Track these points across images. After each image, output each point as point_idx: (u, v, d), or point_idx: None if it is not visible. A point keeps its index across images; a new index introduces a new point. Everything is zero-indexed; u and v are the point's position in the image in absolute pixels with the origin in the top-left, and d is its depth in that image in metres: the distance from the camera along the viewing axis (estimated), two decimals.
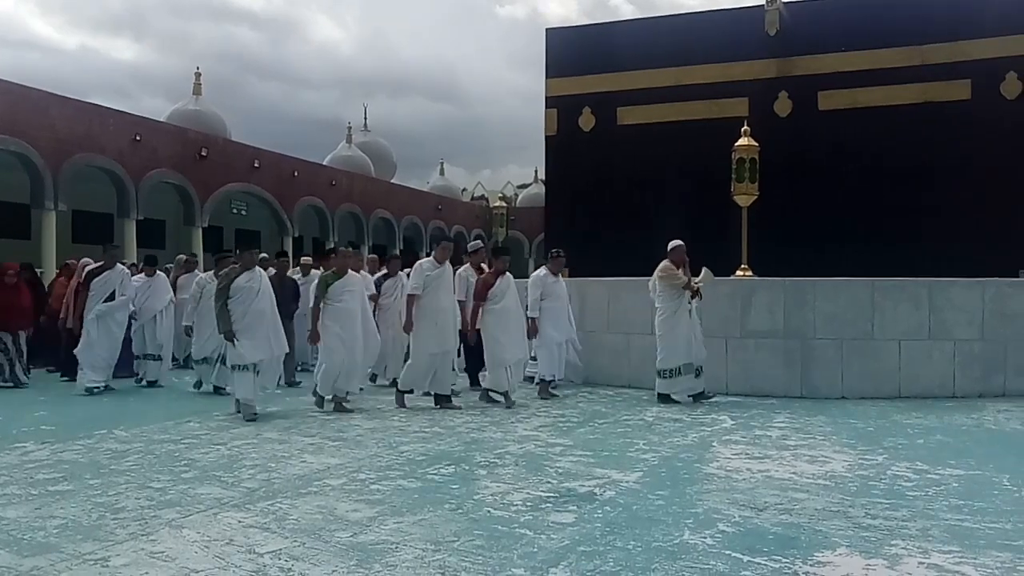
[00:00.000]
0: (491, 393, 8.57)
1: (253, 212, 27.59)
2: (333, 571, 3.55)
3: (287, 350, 8.35)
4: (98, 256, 10.17)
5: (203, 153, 24.41)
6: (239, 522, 4.25)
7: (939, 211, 12.12)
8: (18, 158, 19.15)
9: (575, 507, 4.55)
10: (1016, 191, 11.92)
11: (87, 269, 9.79)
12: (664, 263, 8.64)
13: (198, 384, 9.68)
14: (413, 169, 74.80)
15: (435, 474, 5.36)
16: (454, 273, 8.84)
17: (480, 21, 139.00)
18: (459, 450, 6.17)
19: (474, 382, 9.49)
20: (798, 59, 13.33)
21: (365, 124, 40.37)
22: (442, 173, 44.25)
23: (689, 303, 8.51)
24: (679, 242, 8.72)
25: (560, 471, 5.45)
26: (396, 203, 34.58)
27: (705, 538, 3.99)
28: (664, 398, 8.61)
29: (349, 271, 8.35)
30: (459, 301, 8.78)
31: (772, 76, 13.41)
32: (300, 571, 3.54)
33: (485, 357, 8.56)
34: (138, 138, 22.12)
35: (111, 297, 9.52)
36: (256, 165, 26.50)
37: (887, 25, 12.74)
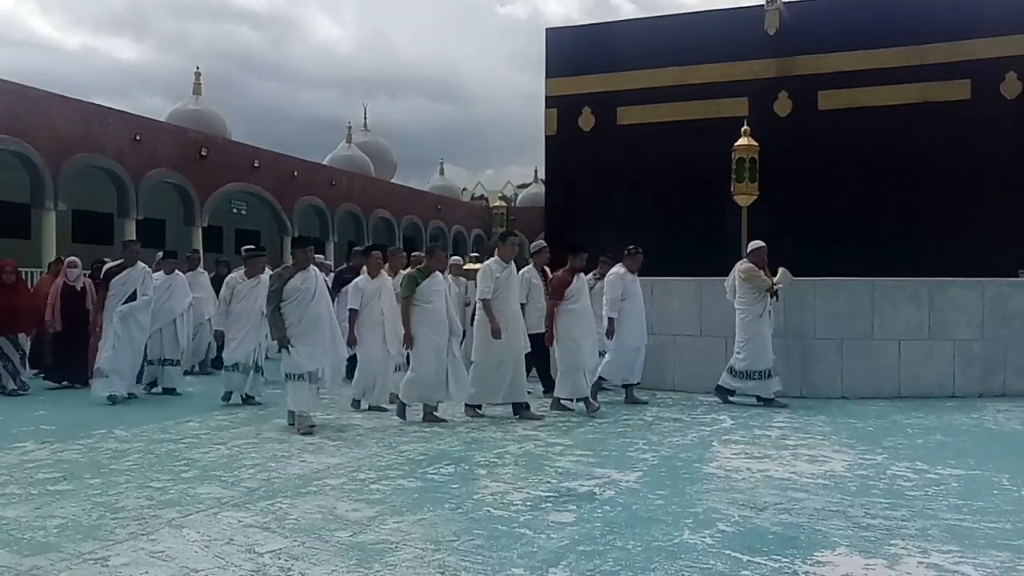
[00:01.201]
0: (563, 401, 8.08)
1: (253, 212, 27.58)
2: (333, 570, 3.55)
3: (345, 354, 7.79)
4: (92, 256, 9.75)
5: (203, 153, 24.40)
6: (239, 521, 4.25)
7: (939, 211, 12.13)
8: (18, 158, 19.15)
9: (575, 507, 4.55)
10: (1016, 191, 11.93)
11: (106, 267, 9.19)
12: (746, 264, 8.44)
13: (227, 396, 8.66)
14: (413, 169, 74.91)
15: (435, 473, 5.36)
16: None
17: (480, 21, 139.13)
18: (459, 449, 6.17)
19: (548, 389, 8.74)
20: (798, 59, 13.35)
21: (365, 124, 40.36)
22: (442, 173, 44.25)
23: (769, 304, 8.37)
24: (761, 243, 8.55)
25: (560, 471, 5.45)
26: (396, 203, 34.57)
27: (705, 538, 4.00)
28: (768, 401, 8.35)
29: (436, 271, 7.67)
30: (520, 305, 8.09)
31: (772, 76, 13.43)
32: (300, 570, 3.54)
33: (560, 361, 8.04)
34: (138, 138, 22.12)
35: (132, 297, 8.80)
36: (256, 165, 26.49)
37: (887, 25, 12.76)
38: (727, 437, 6.75)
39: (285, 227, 27.80)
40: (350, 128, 37.96)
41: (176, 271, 9.81)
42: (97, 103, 22.80)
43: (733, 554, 3.75)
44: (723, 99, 13.33)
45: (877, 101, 12.68)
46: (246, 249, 9.46)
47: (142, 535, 4.02)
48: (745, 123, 10.80)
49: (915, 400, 8.77)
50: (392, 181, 38.14)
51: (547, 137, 14.96)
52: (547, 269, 8.66)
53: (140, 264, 9.02)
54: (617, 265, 8.85)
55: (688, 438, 6.72)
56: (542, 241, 8.98)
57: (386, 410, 7.89)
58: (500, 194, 36.65)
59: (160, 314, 9.32)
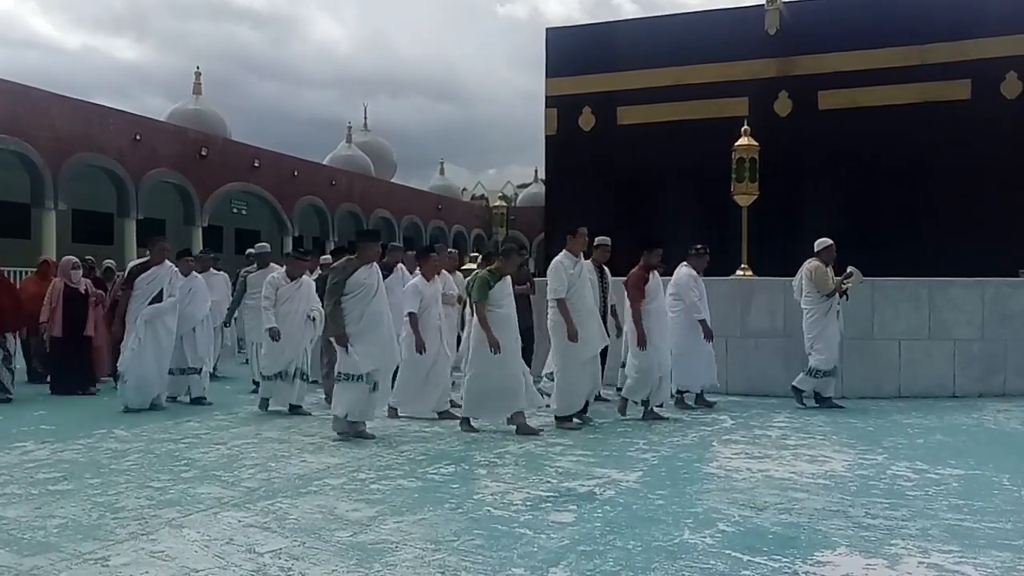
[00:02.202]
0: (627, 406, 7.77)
1: (253, 211, 27.61)
2: (333, 570, 3.55)
3: (399, 361, 7.28)
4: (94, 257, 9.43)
5: (203, 153, 24.43)
6: (239, 521, 4.25)
7: (939, 211, 12.13)
8: (18, 157, 19.16)
9: (575, 506, 4.55)
10: (1016, 191, 11.92)
11: (131, 265, 8.75)
12: (815, 263, 8.28)
13: (264, 404, 8.12)
14: (413, 169, 74.81)
15: (435, 473, 5.36)
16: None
17: (480, 21, 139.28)
18: (459, 449, 6.17)
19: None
20: (798, 59, 13.34)
21: (365, 124, 40.38)
22: (442, 173, 44.29)
23: (837, 304, 8.27)
24: (829, 241, 8.37)
25: (560, 470, 5.45)
26: (396, 202, 34.60)
27: (705, 538, 4.00)
28: (821, 399, 8.25)
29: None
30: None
31: (772, 76, 13.42)
32: (300, 570, 3.54)
33: (634, 364, 7.59)
34: (138, 137, 22.14)
35: (157, 297, 8.24)
36: (256, 165, 26.51)
37: (887, 25, 12.75)
38: (727, 437, 6.75)
39: (285, 227, 27.83)
40: (350, 128, 37.99)
41: (193, 272, 9.32)
42: (97, 103, 22.85)
43: (733, 554, 3.75)
44: (723, 99, 13.31)
45: (877, 101, 12.67)
46: (295, 249, 9.04)
47: (142, 535, 4.02)
48: (745, 123, 10.78)
49: (915, 400, 8.77)
50: (392, 181, 38.17)
51: (547, 137, 14.95)
52: (604, 266, 8.23)
53: (167, 263, 8.50)
54: (682, 266, 8.45)
55: (688, 438, 6.72)
56: (606, 237, 8.38)
57: (455, 417, 7.35)
58: (500, 194, 36.66)
59: (181, 320, 8.64)
